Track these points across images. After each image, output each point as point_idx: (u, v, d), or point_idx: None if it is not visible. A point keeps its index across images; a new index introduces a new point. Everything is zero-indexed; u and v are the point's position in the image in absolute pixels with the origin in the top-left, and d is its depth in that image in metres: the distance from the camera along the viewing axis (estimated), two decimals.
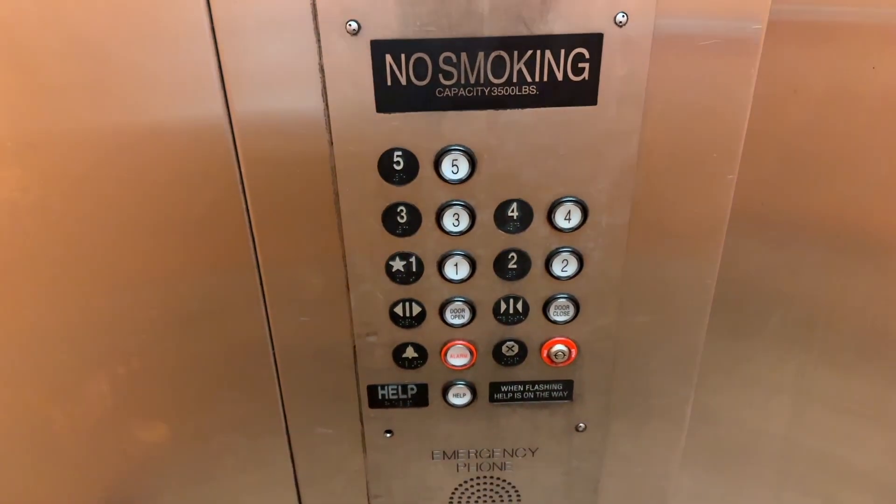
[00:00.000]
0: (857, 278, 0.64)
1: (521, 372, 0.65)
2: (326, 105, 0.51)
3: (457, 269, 0.58)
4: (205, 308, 0.60)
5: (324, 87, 0.50)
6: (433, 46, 0.48)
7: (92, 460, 0.68)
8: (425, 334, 0.62)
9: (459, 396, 0.66)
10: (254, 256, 0.58)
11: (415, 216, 0.55)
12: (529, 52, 0.49)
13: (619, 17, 0.48)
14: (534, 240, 0.57)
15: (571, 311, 0.61)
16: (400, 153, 0.52)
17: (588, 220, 0.56)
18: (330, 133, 0.52)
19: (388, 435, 0.68)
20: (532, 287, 0.60)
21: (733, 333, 0.68)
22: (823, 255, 0.63)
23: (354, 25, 0.48)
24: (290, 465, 0.70)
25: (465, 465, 0.71)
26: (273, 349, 0.63)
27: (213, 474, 0.70)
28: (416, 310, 0.60)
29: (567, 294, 0.60)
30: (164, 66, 0.49)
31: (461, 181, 0.54)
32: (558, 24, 0.48)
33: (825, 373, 0.69)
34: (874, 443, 0.73)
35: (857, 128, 0.57)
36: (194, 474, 0.70)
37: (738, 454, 0.76)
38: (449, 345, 0.62)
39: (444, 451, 0.70)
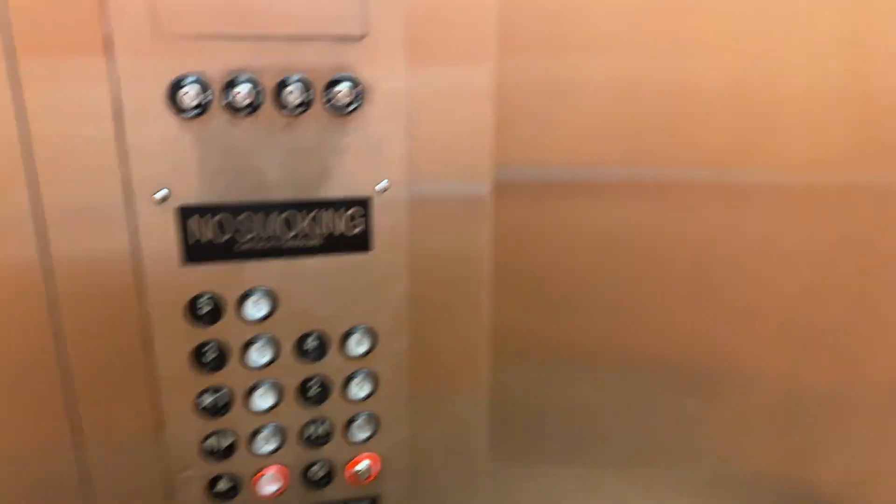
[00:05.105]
0: (609, 392, 0.78)
1: (331, 493, 0.71)
2: (138, 259, 0.59)
3: (264, 399, 0.65)
4: (15, 451, 0.61)
5: (136, 244, 0.58)
6: (232, 210, 0.59)
7: None
8: (237, 465, 0.67)
9: None
10: (72, 403, 0.61)
11: (222, 353, 0.63)
12: (314, 212, 0.61)
13: (382, 185, 0.62)
14: (332, 366, 0.66)
15: (371, 428, 0.69)
16: (206, 297, 0.61)
17: (377, 346, 0.67)
18: (141, 283, 0.59)
19: None
20: (334, 409, 0.68)
21: (514, 450, 0.78)
22: (578, 372, 0.77)
23: (164, 193, 0.57)
24: None
25: None
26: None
27: None
28: (228, 441, 0.66)
29: (366, 412, 0.69)
30: None
31: (263, 318, 0.63)
32: (335, 191, 0.61)
33: (601, 478, 0.81)
34: None
35: (583, 264, 0.74)
36: None
37: None
38: (261, 473, 0.68)
39: None
